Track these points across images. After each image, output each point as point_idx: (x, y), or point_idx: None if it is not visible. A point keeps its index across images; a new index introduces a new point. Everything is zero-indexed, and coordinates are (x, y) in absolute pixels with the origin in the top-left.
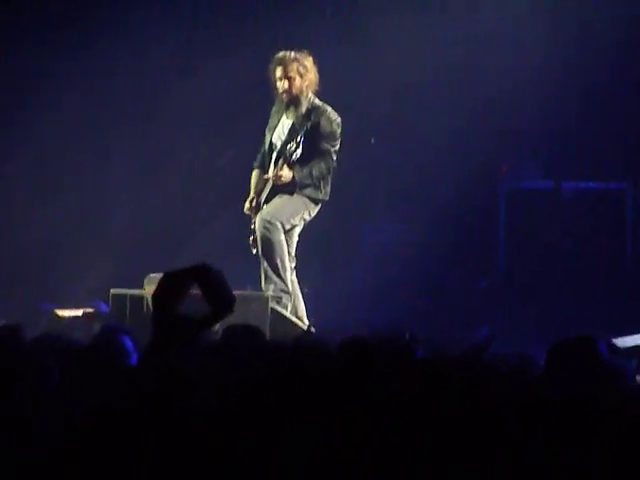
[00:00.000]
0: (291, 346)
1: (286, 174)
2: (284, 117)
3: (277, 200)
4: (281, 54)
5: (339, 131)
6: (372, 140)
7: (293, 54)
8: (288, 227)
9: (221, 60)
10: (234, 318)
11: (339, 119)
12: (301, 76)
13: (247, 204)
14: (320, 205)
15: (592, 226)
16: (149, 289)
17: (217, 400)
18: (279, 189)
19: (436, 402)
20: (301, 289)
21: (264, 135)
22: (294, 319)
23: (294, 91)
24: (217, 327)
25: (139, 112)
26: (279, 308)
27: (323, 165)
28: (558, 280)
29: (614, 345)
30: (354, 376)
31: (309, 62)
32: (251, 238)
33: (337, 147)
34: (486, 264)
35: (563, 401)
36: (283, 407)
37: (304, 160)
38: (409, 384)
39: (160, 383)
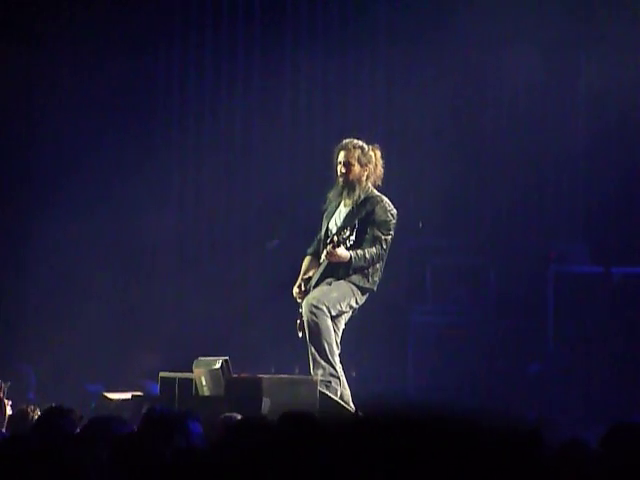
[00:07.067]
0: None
1: (343, 252)
2: (342, 205)
3: (325, 286)
4: (347, 140)
5: (393, 222)
6: (420, 224)
7: (359, 143)
8: (334, 313)
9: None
10: (283, 402)
11: (395, 210)
12: (361, 165)
13: (296, 289)
14: (367, 294)
15: None
16: (198, 372)
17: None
18: (328, 274)
19: None
20: (348, 373)
21: (321, 221)
22: (343, 403)
23: (350, 177)
24: (266, 410)
25: (191, 198)
26: (328, 392)
27: (374, 250)
28: (608, 365)
29: None
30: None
31: (375, 155)
32: (298, 322)
33: (389, 237)
34: (535, 348)
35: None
36: None
37: (357, 246)
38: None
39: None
